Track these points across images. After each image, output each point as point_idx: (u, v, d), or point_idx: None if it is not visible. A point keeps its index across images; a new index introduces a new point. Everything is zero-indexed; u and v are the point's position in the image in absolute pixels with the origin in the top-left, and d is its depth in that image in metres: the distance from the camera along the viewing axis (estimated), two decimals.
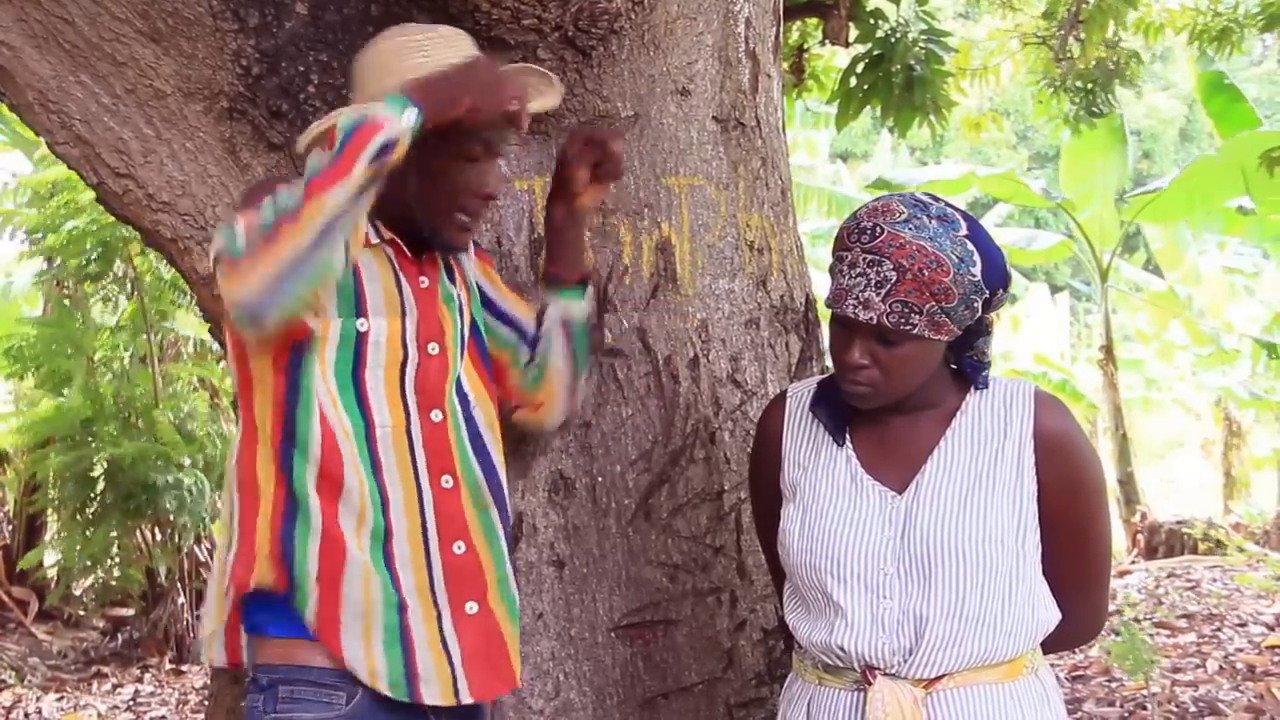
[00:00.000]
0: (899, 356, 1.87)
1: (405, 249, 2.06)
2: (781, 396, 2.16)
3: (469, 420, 2.13)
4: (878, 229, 1.83)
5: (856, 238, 1.85)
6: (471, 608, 2.05)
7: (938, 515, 1.91)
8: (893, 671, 1.92)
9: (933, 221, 1.83)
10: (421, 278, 2.08)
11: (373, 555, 1.98)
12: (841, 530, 1.95)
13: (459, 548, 2.05)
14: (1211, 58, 8.29)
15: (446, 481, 2.05)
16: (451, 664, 2.02)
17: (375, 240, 2.03)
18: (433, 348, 2.06)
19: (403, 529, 2.00)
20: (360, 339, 1.98)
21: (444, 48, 1.98)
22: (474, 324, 2.20)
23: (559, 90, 2.12)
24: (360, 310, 1.99)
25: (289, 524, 1.97)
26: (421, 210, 2.01)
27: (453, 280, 2.16)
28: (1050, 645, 2.04)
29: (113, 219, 6.41)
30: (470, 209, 2.03)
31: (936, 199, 1.89)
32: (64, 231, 6.97)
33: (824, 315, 2.20)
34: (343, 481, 1.97)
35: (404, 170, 1.95)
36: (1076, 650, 6.08)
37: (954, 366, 2.01)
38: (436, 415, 2.06)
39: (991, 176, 12.56)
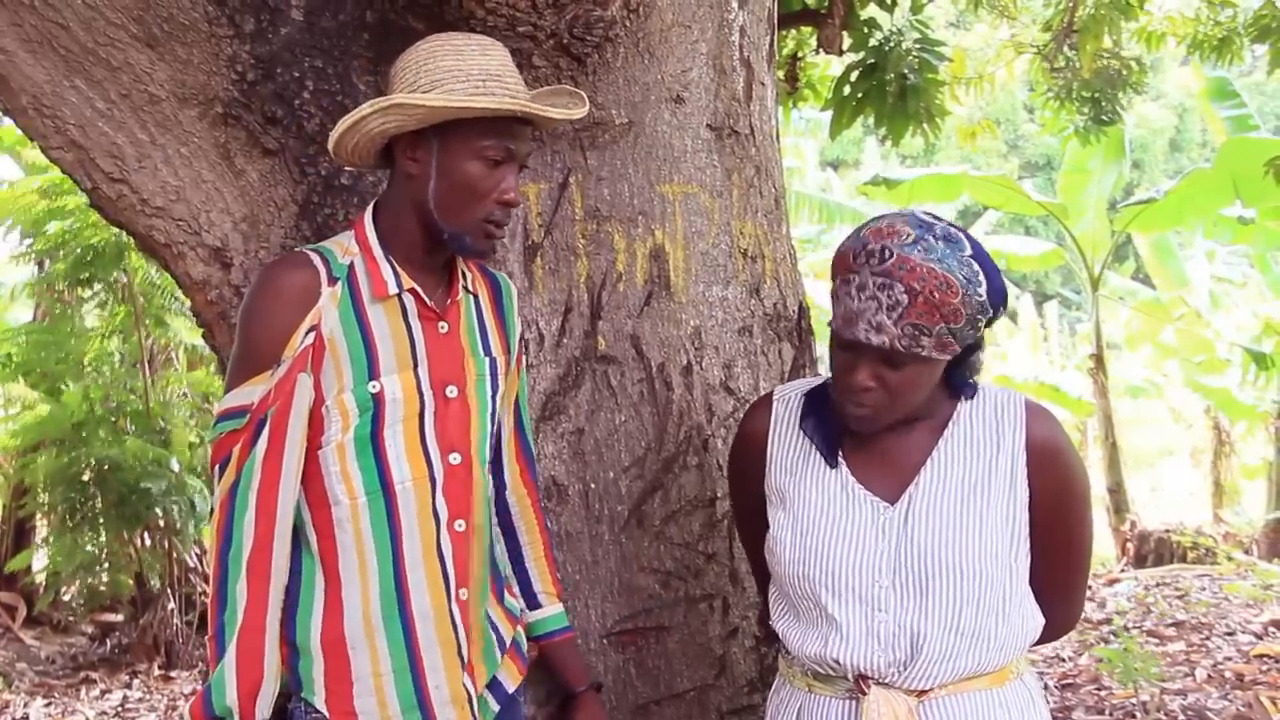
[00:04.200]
0: (904, 378, 1.85)
1: (425, 298, 2.05)
2: (767, 399, 2.15)
3: (495, 463, 2.20)
4: (886, 251, 1.80)
5: (865, 260, 1.82)
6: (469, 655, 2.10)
7: (934, 530, 1.91)
8: (887, 681, 1.92)
9: (939, 243, 1.81)
10: (441, 324, 2.07)
11: (386, 614, 2.01)
12: (834, 542, 1.95)
13: (463, 593, 2.08)
14: (1215, 65, 8.32)
15: (459, 525, 2.07)
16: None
17: (394, 290, 2.03)
18: (451, 390, 2.06)
19: (420, 580, 2.03)
20: (376, 400, 1.99)
21: (478, 54, 1.99)
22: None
23: (585, 103, 2.14)
24: (373, 372, 2.00)
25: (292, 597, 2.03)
26: (443, 214, 2.00)
27: (484, 327, 2.16)
28: None
29: (103, 223, 6.47)
30: (495, 217, 2.01)
31: (938, 218, 1.87)
32: (50, 235, 6.95)
33: (818, 327, 2.20)
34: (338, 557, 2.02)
35: (423, 173, 1.99)
36: (1067, 659, 6.09)
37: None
38: (455, 458, 2.06)
39: (984, 179, 12.56)
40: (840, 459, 2.01)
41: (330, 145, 2.03)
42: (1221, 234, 13.01)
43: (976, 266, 1.81)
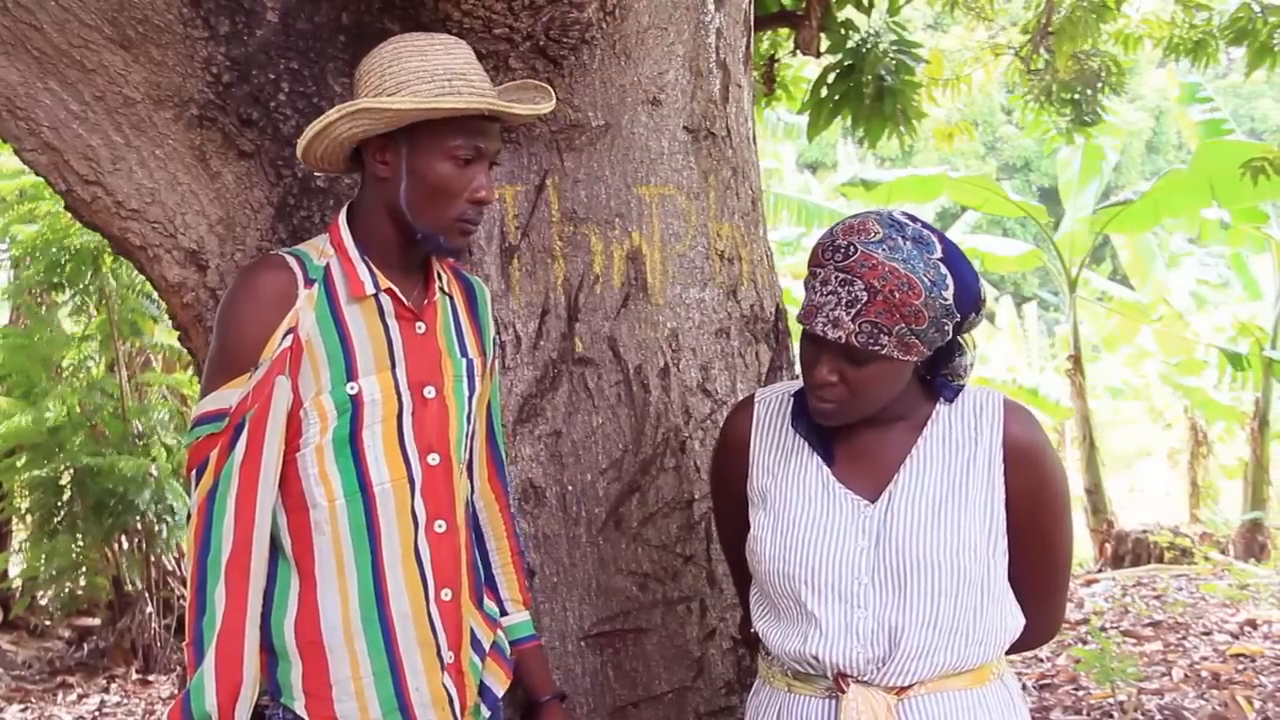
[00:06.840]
0: (866, 375, 1.87)
1: (403, 298, 2.05)
2: (749, 401, 2.16)
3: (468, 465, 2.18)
4: (851, 248, 1.82)
5: (830, 255, 1.85)
6: (449, 657, 2.08)
7: (912, 526, 1.92)
8: (865, 679, 1.93)
9: (907, 243, 1.82)
10: (418, 324, 2.07)
11: (365, 618, 2.01)
12: (815, 539, 1.95)
13: (446, 594, 2.07)
14: (1190, 69, 8.37)
15: (440, 526, 2.06)
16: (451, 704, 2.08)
17: (371, 290, 2.02)
18: (428, 391, 2.05)
19: (399, 582, 2.02)
20: (354, 402, 1.99)
21: (442, 54, 1.98)
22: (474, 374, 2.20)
23: (552, 97, 2.13)
24: (351, 374, 1.99)
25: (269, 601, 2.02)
26: (416, 215, 1.99)
27: (460, 328, 2.16)
28: (1011, 648, 2.06)
29: (78, 226, 6.43)
30: (469, 216, 2.01)
31: (914, 219, 1.88)
32: (23, 240, 6.91)
33: (795, 328, 2.22)
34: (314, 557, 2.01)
35: (393, 175, 1.98)
36: (1044, 659, 6.12)
37: (927, 377, 2.01)
38: (434, 459, 2.05)
39: (963, 180, 12.55)
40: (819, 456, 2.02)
41: (299, 152, 2.03)
42: (1198, 235, 13.09)
43: (945, 270, 1.82)
